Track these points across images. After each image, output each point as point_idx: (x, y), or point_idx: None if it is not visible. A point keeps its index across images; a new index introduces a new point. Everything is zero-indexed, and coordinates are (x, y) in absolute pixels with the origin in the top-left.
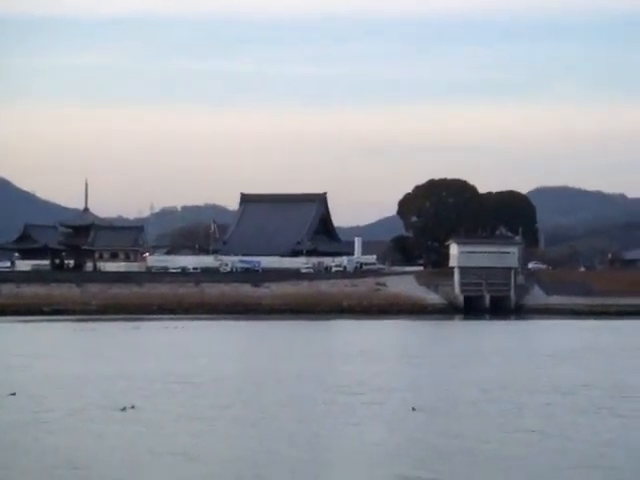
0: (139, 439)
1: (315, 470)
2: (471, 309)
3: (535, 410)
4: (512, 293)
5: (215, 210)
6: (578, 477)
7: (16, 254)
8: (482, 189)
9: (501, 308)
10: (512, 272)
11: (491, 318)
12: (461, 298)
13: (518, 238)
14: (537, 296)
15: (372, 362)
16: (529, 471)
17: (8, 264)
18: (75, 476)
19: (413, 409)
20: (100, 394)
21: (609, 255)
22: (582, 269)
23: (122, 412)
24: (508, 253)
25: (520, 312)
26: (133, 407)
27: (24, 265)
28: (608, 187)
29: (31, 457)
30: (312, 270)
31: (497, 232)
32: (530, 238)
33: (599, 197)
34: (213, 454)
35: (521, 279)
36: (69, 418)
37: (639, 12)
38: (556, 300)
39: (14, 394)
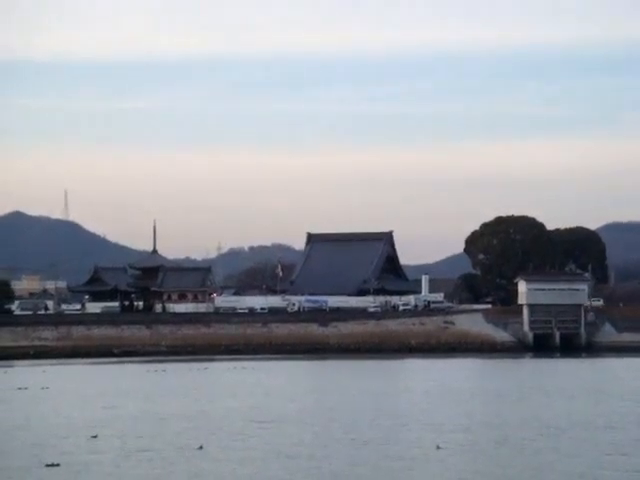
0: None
1: None
2: (541, 347)
3: None
4: (582, 330)
5: (282, 250)
6: None
7: (86, 296)
8: (550, 225)
9: (572, 346)
10: (582, 309)
11: (562, 356)
12: (530, 336)
13: (587, 275)
14: (608, 333)
15: (449, 401)
16: None
17: (79, 306)
18: None
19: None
20: (173, 434)
21: None
22: None
23: (199, 450)
24: (577, 290)
25: (591, 349)
26: (201, 447)
27: (94, 307)
28: None
29: None
30: (379, 309)
31: (566, 269)
32: (600, 274)
33: None
34: None
35: (591, 316)
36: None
37: None
38: (628, 337)
39: (96, 437)
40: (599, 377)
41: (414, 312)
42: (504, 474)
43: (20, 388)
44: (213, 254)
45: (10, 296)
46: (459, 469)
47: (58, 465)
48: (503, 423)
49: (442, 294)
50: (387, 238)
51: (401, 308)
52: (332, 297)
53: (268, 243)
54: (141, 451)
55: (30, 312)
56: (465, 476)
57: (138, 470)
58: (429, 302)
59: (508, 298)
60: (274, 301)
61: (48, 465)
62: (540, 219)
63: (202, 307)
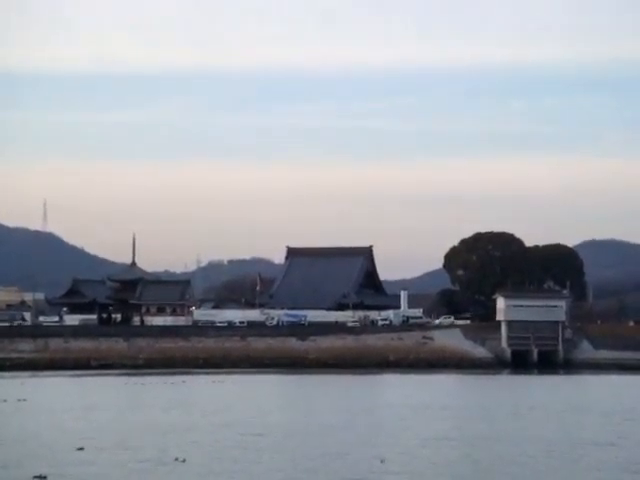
0: None
1: None
2: (519, 363)
3: None
4: (560, 347)
5: (261, 263)
6: None
7: (64, 308)
8: (529, 242)
9: (549, 362)
10: (560, 326)
11: (539, 373)
12: (508, 352)
13: (566, 292)
14: (585, 350)
15: (426, 417)
16: None
17: (57, 319)
18: None
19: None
20: (156, 446)
21: None
22: (631, 323)
23: (182, 462)
24: (556, 307)
25: (568, 366)
26: (183, 460)
27: (72, 319)
28: None
29: None
30: (358, 324)
31: (544, 285)
32: (578, 292)
33: None
34: None
35: (569, 333)
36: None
37: None
38: (605, 355)
39: (82, 449)
40: (576, 394)
41: (393, 327)
42: None
43: (2, 402)
44: (192, 267)
45: None
46: None
47: (45, 478)
48: (470, 438)
49: (421, 309)
50: (367, 253)
51: (380, 323)
52: (311, 311)
53: (247, 256)
54: (127, 463)
55: (7, 324)
56: None
57: None
58: (408, 317)
59: (487, 314)
60: (253, 315)
61: (35, 477)
62: (519, 235)
63: (181, 320)
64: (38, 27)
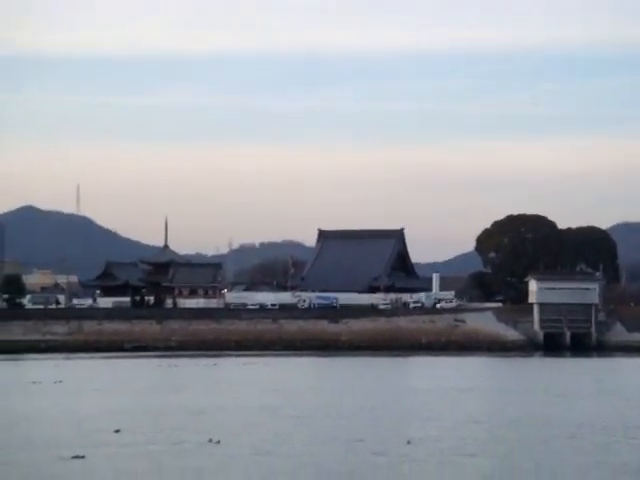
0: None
1: None
2: (551, 346)
3: None
4: (593, 330)
5: (293, 246)
6: None
7: (98, 291)
8: (561, 224)
9: (582, 345)
10: (593, 308)
11: (572, 355)
12: (541, 335)
13: (599, 274)
14: (618, 333)
15: (457, 399)
16: None
17: (90, 301)
18: None
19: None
20: (190, 428)
21: None
22: None
23: (209, 444)
24: (588, 289)
25: (601, 349)
26: (218, 441)
27: (105, 302)
28: None
29: None
30: (390, 306)
31: (577, 268)
32: (611, 274)
33: None
34: None
35: (602, 316)
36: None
37: None
38: (638, 337)
39: (119, 430)
40: (609, 377)
41: (424, 310)
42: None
43: (34, 382)
44: (224, 250)
45: (22, 290)
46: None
47: (83, 457)
48: (499, 421)
49: (453, 292)
50: (398, 235)
51: (412, 306)
52: (342, 294)
53: (279, 239)
54: (163, 444)
55: (41, 306)
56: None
57: (164, 462)
58: (440, 300)
59: (519, 297)
60: (284, 297)
61: (74, 457)
62: (551, 218)
63: (213, 303)
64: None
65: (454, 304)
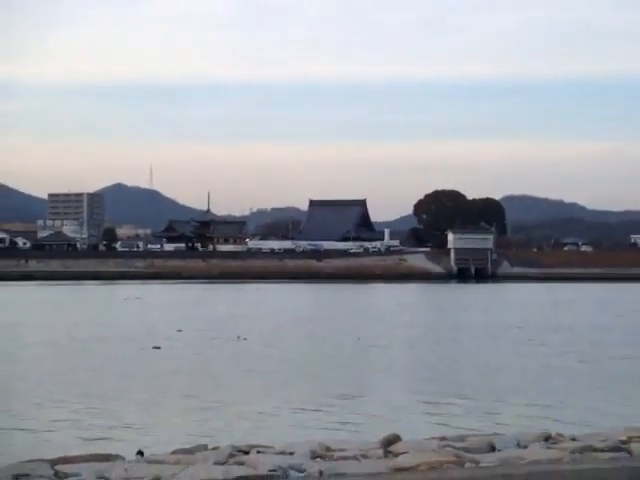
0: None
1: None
2: (462, 276)
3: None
4: (489, 265)
5: (293, 211)
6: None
7: (164, 240)
8: (469, 196)
9: (482, 275)
10: (489, 251)
11: (475, 282)
12: (455, 269)
13: (492, 229)
14: (505, 267)
15: (398, 310)
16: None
17: (159, 246)
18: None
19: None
20: (226, 329)
21: (552, 241)
22: (535, 250)
23: (239, 340)
24: (486, 239)
25: (494, 278)
26: (245, 338)
27: (169, 247)
28: (553, 195)
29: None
30: (357, 250)
31: (479, 225)
32: (500, 230)
33: (547, 202)
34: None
35: (495, 256)
36: (211, 343)
37: None
38: (517, 270)
39: (181, 330)
40: (499, 294)
41: (379, 253)
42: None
43: (125, 299)
44: (247, 212)
45: (115, 239)
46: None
47: (159, 348)
48: (427, 323)
49: (398, 241)
50: (362, 203)
51: (371, 250)
52: (325, 242)
53: (284, 206)
54: (208, 339)
55: (127, 249)
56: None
57: (209, 350)
58: (389, 247)
59: (441, 244)
60: (287, 244)
61: (154, 347)
62: (462, 192)
63: (239, 248)
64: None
65: (398, 248)
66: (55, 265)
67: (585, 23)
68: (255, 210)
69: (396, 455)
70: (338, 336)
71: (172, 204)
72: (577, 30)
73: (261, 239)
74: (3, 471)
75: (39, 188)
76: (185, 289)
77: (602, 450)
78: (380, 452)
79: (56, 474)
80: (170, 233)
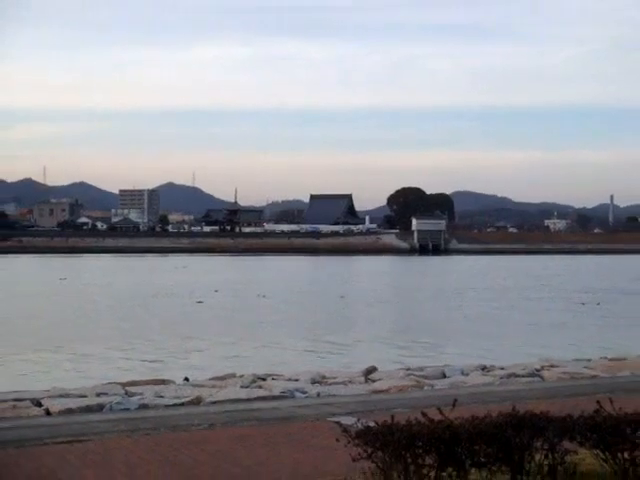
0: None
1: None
2: (422, 250)
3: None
4: (442, 242)
5: (298, 202)
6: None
7: (203, 224)
8: (428, 191)
9: (437, 250)
10: (442, 232)
11: (433, 255)
12: (417, 245)
13: (445, 216)
14: (454, 244)
15: (374, 276)
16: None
17: (199, 228)
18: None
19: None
20: (250, 289)
21: (488, 224)
22: (475, 231)
23: (259, 297)
24: (440, 223)
25: (446, 252)
26: (264, 296)
27: (207, 229)
28: (489, 190)
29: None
30: (345, 232)
31: (435, 213)
32: (450, 216)
33: (485, 196)
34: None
35: (446, 235)
36: (239, 300)
37: None
38: (464, 246)
39: (217, 290)
40: (449, 264)
41: (362, 233)
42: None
43: (176, 267)
44: (264, 203)
45: (167, 222)
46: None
47: (202, 302)
48: (396, 286)
49: (375, 225)
50: (349, 197)
51: (355, 232)
52: (322, 225)
53: (291, 198)
54: (237, 297)
55: (176, 230)
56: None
57: (237, 304)
58: (369, 229)
59: (407, 227)
60: (294, 227)
61: (197, 302)
62: (422, 188)
63: (259, 230)
64: None
65: (376, 230)
66: (124, 242)
67: (490, 66)
68: (270, 202)
69: (373, 381)
70: (330, 295)
71: (209, 197)
72: (503, 70)
73: (274, 223)
74: (89, 390)
75: (113, 185)
76: (218, 260)
77: (522, 376)
78: (362, 379)
79: (126, 393)
80: (207, 219)
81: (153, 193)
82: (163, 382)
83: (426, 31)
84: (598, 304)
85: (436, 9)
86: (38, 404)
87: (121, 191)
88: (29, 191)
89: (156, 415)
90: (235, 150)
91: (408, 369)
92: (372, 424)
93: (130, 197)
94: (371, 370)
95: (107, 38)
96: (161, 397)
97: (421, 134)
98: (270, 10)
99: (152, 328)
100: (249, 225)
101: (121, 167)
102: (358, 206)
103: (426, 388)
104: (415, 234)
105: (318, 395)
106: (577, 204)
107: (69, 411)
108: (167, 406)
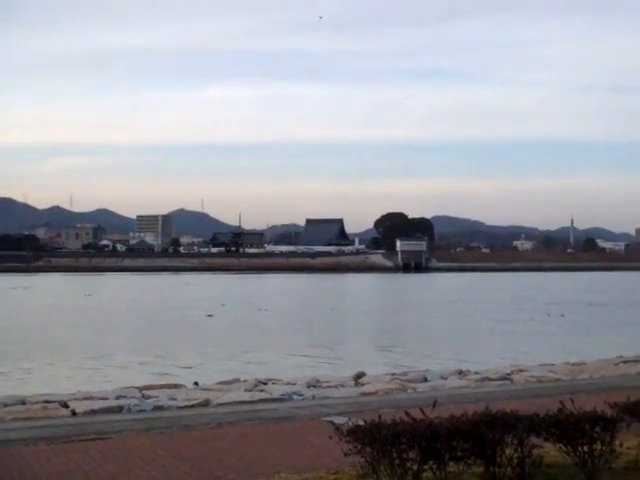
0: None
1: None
2: (405, 269)
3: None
4: (423, 261)
5: (295, 226)
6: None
7: (210, 245)
8: (411, 215)
9: (419, 268)
10: (423, 253)
11: (415, 272)
12: (401, 264)
13: (425, 238)
14: (434, 263)
15: (362, 291)
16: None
17: (207, 249)
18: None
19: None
20: (253, 303)
21: (464, 245)
22: (453, 251)
23: (260, 310)
24: (421, 244)
25: (427, 270)
26: (265, 309)
27: (214, 250)
28: (464, 215)
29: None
30: (336, 252)
31: (417, 235)
32: (430, 238)
33: (460, 220)
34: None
35: (427, 255)
36: (243, 312)
37: None
38: (443, 264)
39: (224, 304)
40: (431, 280)
41: (352, 253)
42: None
43: (185, 283)
44: (264, 227)
45: (179, 244)
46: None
47: (212, 315)
48: (384, 301)
49: (364, 246)
50: (341, 221)
51: (346, 252)
52: (316, 246)
53: (289, 222)
54: (241, 310)
55: (187, 251)
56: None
57: (242, 317)
58: (358, 249)
59: (392, 248)
60: (291, 248)
61: (208, 315)
62: (405, 213)
63: (260, 250)
64: None
65: (364, 251)
66: (141, 262)
67: (475, 103)
68: (270, 225)
69: (363, 385)
70: (322, 308)
71: (216, 222)
72: (470, 109)
73: (274, 245)
74: (110, 393)
75: (131, 211)
76: (224, 278)
77: (495, 379)
78: (352, 383)
79: (143, 396)
80: (215, 241)
81: (166, 218)
82: (175, 386)
83: (401, 75)
84: (562, 315)
85: (421, 56)
86: (65, 405)
87: (138, 216)
88: (57, 217)
89: (169, 416)
90: (239, 179)
91: (393, 374)
92: (361, 423)
93: (146, 222)
94: (360, 375)
95: (125, 84)
96: (174, 400)
97: (405, 164)
98: (269, 55)
99: (167, 338)
100: (252, 246)
101: (138, 195)
102: (348, 229)
103: (409, 391)
104: (399, 254)
105: (313, 397)
106: (541, 226)
107: (92, 412)
108: (179, 407)
